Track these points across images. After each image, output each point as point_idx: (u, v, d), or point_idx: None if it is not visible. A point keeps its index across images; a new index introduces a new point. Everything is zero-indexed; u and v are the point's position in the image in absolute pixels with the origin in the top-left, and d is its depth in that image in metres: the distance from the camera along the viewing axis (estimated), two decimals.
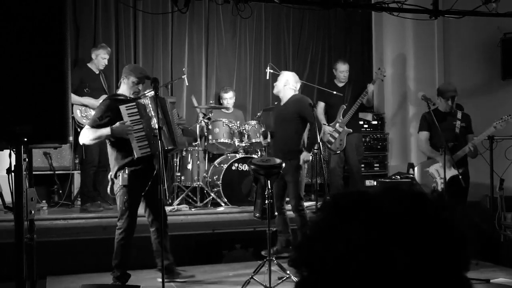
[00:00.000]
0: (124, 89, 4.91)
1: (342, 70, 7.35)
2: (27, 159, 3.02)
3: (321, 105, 7.40)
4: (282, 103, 5.80)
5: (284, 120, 5.67)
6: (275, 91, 5.90)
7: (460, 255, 0.85)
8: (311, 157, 5.69)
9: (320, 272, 0.84)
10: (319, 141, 5.40)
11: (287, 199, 5.80)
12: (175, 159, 7.07)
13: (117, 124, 4.69)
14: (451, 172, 5.71)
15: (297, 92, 5.81)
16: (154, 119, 4.79)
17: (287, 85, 5.73)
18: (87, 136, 4.73)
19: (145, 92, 4.86)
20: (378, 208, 0.85)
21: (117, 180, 4.84)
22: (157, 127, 4.53)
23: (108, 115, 4.75)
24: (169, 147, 4.97)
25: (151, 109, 4.85)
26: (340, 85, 7.37)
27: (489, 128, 5.79)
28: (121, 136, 4.73)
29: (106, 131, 4.68)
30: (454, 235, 0.85)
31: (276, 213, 4.97)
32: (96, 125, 4.72)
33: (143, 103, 4.90)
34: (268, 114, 7.95)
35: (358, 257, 0.81)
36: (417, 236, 0.82)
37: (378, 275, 0.80)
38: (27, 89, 2.79)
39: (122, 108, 4.74)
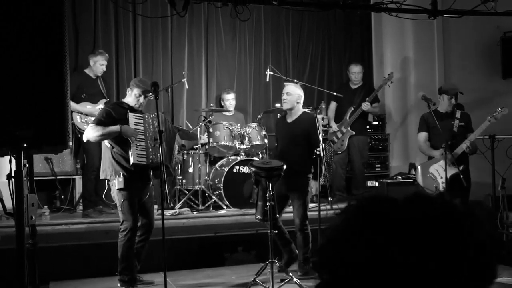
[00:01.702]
0: (129, 99, 5.08)
1: (354, 71, 7.43)
2: (27, 165, 3.02)
3: (332, 105, 7.50)
4: (290, 119, 5.47)
5: (295, 139, 5.41)
6: (287, 106, 5.43)
7: (488, 270, 0.85)
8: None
9: (341, 277, 0.83)
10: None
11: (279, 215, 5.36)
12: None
13: (126, 126, 4.87)
14: (451, 170, 5.70)
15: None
16: (156, 135, 4.85)
17: (300, 102, 5.44)
18: (93, 132, 4.82)
19: (155, 114, 4.97)
20: (407, 219, 0.84)
21: (113, 186, 4.95)
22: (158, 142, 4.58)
23: (112, 117, 4.90)
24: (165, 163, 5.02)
25: (155, 126, 4.94)
26: (354, 87, 7.43)
27: (484, 122, 5.79)
28: (127, 137, 4.86)
29: (116, 128, 4.83)
30: (484, 252, 0.85)
31: (278, 215, 4.95)
32: (101, 123, 4.85)
33: (148, 118, 5.05)
34: (269, 116, 7.96)
35: (380, 266, 0.80)
36: (445, 251, 0.81)
37: (398, 286, 0.80)
38: (26, 94, 2.79)
39: (131, 115, 4.95)
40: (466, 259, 0.83)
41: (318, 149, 5.31)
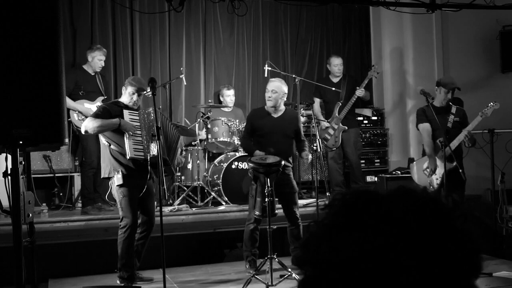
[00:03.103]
0: (123, 98, 5.10)
1: (336, 63, 7.35)
2: (23, 162, 3.01)
3: (317, 101, 7.41)
4: (276, 115, 5.50)
5: (284, 134, 5.49)
6: (271, 104, 5.46)
7: (472, 264, 0.83)
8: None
9: (324, 273, 0.82)
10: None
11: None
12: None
13: (125, 120, 4.90)
14: (448, 165, 5.67)
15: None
16: (153, 131, 4.82)
17: (283, 99, 5.52)
18: (92, 123, 4.84)
19: (150, 109, 4.98)
20: (389, 214, 0.82)
21: (113, 184, 4.96)
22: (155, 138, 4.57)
23: (109, 113, 4.92)
24: (163, 157, 4.99)
25: (151, 121, 4.94)
26: (335, 80, 7.36)
27: (476, 118, 5.75)
28: (125, 131, 4.86)
29: (116, 120, 4.87)
30: (468, 245, 0.83)
31: (276, 212, 4.94)
32: (99, 117, 4.88)
33: (143, 114, 5.04)
34: None
35: (363, 263, 0.79)
36: (427, 246, 0.80)
37: (382, 283, 0.79)
38: (22, 92, 2.78)
39: (125, 112, 4.97)
40: (448, 253, 0.81)
41: (315, 144, 5.37)
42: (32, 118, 2.78)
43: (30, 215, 3.09)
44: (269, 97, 5.46)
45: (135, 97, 5.02)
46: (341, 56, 7.56)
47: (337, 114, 7.15)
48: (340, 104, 7.13)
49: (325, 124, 7.17)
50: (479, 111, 5.83)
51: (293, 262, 5.25)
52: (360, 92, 7.05)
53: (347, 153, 7.28)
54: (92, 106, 6.35)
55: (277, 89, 5.45)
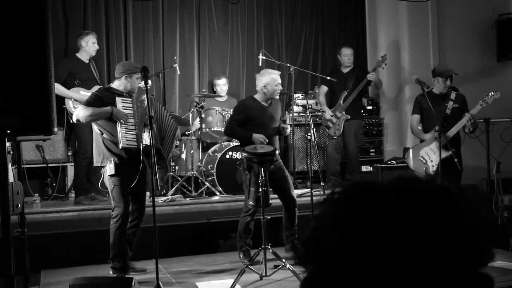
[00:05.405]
0: (119, 85, 5.00)
1: (346, 53, 7.37)
2: (11, 152, 2.95)
3: (323, 89, 7.42)
4: (266, 104, 5.51)
5: (275, 122, 5.56)
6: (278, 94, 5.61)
7: (476, 255, 0.80)
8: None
9: (325, 268, 0.80)
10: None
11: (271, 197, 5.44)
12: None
13: (117, 108, 4.82)
14: (443, 153, 5.66)
15: None
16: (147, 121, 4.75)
17: None
18: (84, 112, 4.75)
19: (143, 96, 4.90)
20: (392, 208, 0.79)
21: (105, 173, 4.91)
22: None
23: (102, 101, 4.83)
24: (156, 145, 4.93)
25: (144, 109, 4.86)
26: (345, 70, 7.37)
27: (475, 106, 5.74)
28: (117, 119, 4.79)
29: (108, 109, 4.78)
30: (467, 237, 0.80)
31: (270, 202, 4.90)
32: (90, 105, 4.80)
33: (136, 102, 4.96)
34: None
35: (356, 256, 0.77)
36: (422, 238, 0.77)
37: (377, 277, 0.76)
38: (10, 80, 2.73)
39: (118, 99, 4.88)
40: (457, 245, 0.78)
41: (309, 134, 5.37)
42: (20, 107, 2.73)
43: (19, 205, 3.04)
44: (281, 89, 5.58)
45: (139, 81, 4.96)
46: (350, 47, 7.53)
47: (341, 103, 7.17)
48: (346, 93, 7.15)
49: (328, 113, 7.20)
50: (476, 100, 5.80)
51: (294, 258, 5.24)
52: (371, 76, 7.06)
53: (346, 143, 7.30)
54: (89, 94, 6.28)
55: (278, 78, 5.54)
